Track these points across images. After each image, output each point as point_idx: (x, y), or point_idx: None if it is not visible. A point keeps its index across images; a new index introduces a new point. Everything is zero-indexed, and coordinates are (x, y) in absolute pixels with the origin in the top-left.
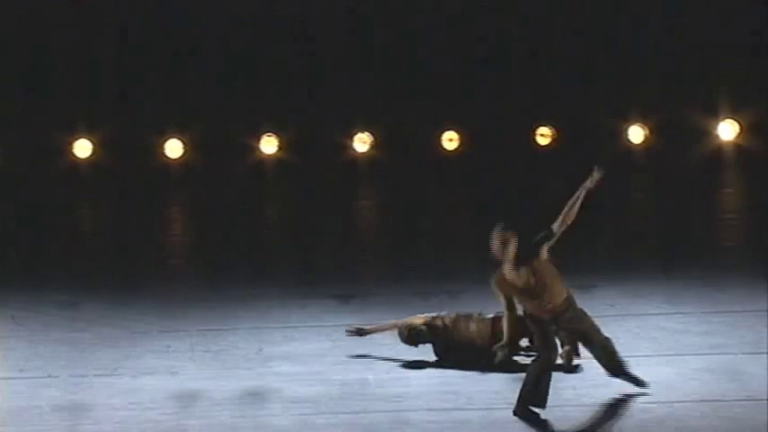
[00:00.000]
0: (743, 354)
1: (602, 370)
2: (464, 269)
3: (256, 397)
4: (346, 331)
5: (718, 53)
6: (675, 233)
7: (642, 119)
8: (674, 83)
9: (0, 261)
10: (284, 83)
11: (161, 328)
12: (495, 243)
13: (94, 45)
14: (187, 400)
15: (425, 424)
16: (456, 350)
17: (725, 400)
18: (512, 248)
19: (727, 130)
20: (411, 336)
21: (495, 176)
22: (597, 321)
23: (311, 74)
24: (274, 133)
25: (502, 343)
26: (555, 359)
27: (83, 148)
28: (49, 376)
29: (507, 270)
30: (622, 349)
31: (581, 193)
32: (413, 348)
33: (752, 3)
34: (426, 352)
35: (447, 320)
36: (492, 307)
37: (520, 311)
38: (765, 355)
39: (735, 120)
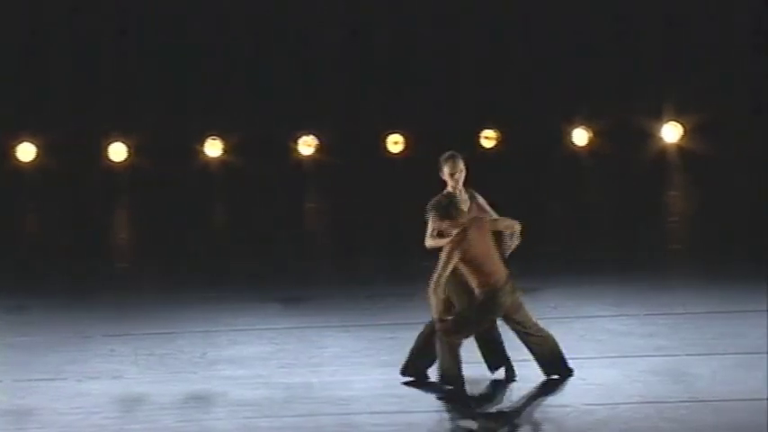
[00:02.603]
0: (687, 355)
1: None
2: (412, 272)
3: (201, 401)
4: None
5: (662, 56)
6: (619, 235)
7: (586, 121)
8: (619, 85)
9: None
10: (230, 85)
11: (106, 332)
12: None
13: (44, 50)
14: (131, 404)
15: (370, 427)
16: None
17: (669, 402)
18: None
19: (672, 133)
20: None
21: (440, 179)
22: (542, 323)
23: (257, 77)
24: (219, 136)
25: None
26: None
27: (26, 152)
28: None
29: None
30: (567, 351)
31: None
32: (358, 351)
33: (698, 7)
34: (371, 354)
35: None
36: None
37: None
38: (709, 357)
39: (678, 122)
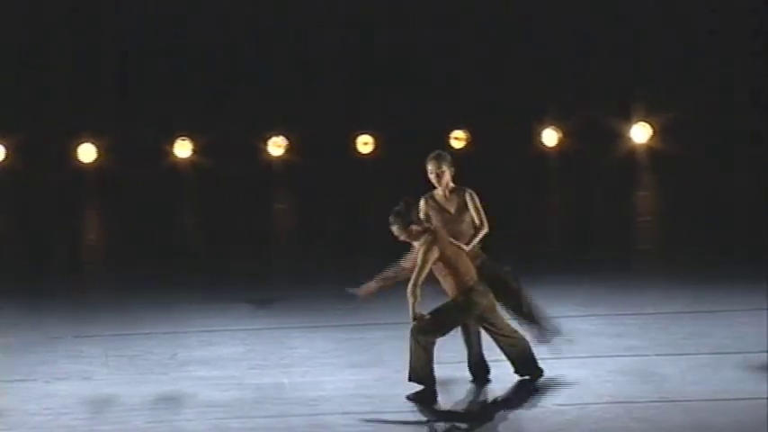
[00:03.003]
0: (656, 355)
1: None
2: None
3: (171, 402)
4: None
5: (631, 56)
6: (589, 235)
7: (556, 122)
8: (588, 86)
9: None
10: (198, 86)
11: (75, 333)
12: None
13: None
14: (101, 405)
15: (341, 427)
16: None
17: (639, 402)
18: None
19: (641, 133)
20: None
21: (410, 179)
22: (513, 324)
23: (224, 77)
24: (188, 137)
25: None
26: None
27: None
28: None
29: None
30: (537, 352)
31: None
32: (328, 352)
33: (662, 8)
34: (341, 355)
35: None
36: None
37: None
38: (679, 357)
39: (647, 122)
